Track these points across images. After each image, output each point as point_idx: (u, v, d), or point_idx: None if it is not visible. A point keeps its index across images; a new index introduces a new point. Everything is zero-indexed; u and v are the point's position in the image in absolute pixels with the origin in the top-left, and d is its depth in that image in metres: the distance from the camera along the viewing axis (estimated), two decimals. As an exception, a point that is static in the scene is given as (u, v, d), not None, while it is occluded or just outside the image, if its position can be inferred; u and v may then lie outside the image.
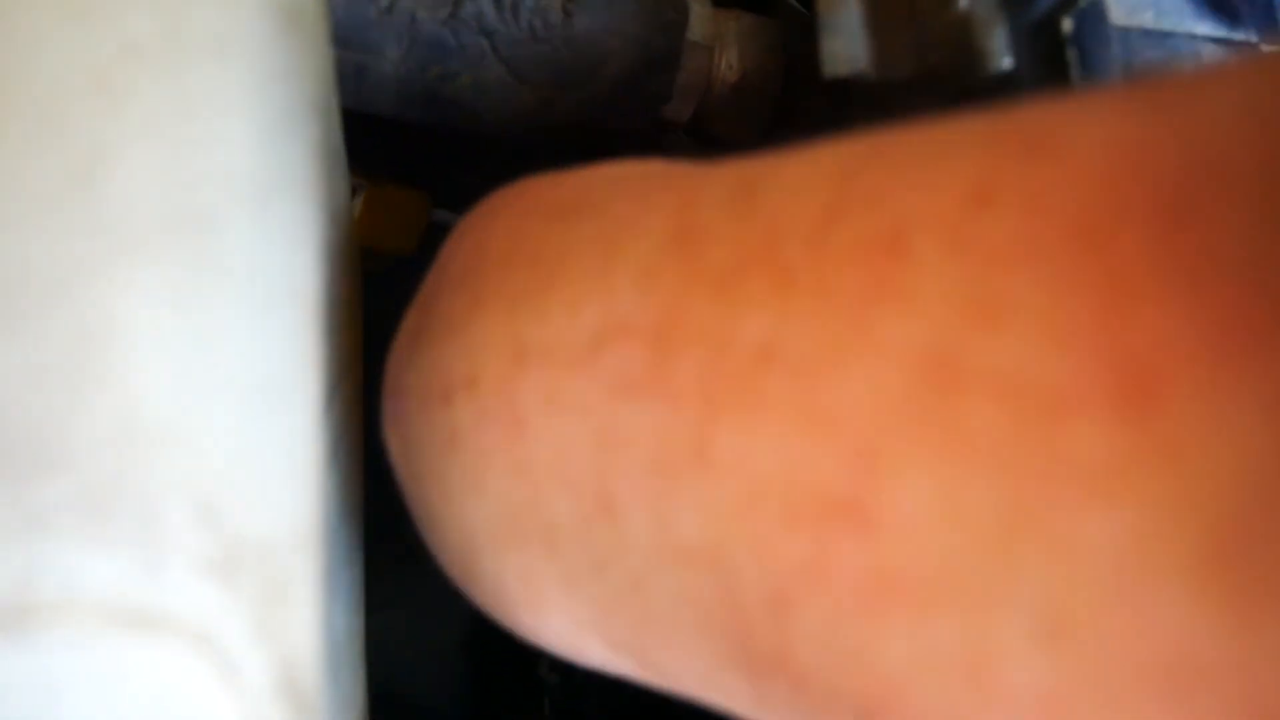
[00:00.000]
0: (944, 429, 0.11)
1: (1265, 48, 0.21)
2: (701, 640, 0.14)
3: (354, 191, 0.28)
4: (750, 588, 0.12)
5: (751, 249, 0.13)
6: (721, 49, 0.27)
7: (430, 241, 0.31)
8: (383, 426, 0.18)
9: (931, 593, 0.11)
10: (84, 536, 0.14)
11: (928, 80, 0.20)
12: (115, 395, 0.14)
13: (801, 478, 0.12)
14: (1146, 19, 0.20)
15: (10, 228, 0.14)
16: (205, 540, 0.15)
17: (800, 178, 0.13)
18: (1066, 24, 0.18)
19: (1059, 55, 0.19)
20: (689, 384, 0.13)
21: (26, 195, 0.14)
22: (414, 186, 0.29)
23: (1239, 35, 0.21)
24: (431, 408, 0.16)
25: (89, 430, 0.14)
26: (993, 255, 0.11)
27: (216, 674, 0.15)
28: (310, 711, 0.16)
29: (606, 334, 0.14)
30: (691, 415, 0.13)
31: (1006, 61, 0.18)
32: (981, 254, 0.11)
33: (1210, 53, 0.20)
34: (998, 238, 0.11)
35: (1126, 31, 0.19)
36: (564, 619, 0.16)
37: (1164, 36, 0.20)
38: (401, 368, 0.17)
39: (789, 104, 0.28)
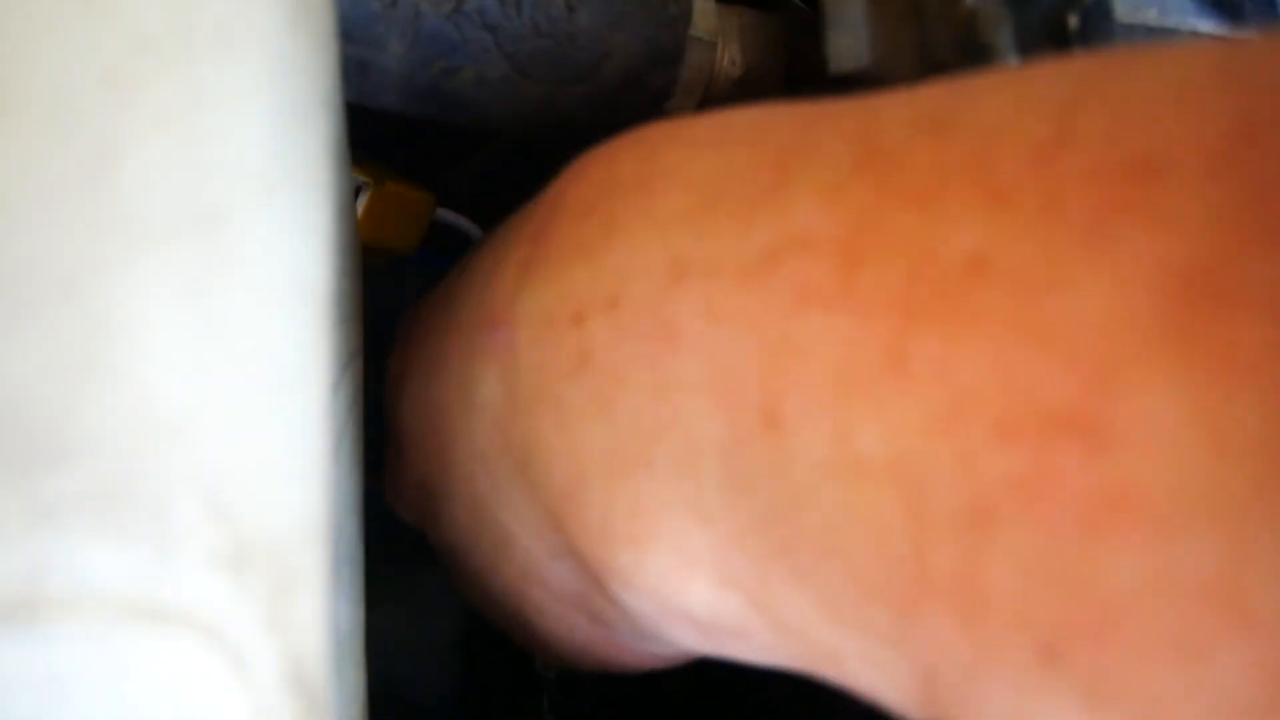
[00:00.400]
0: (1203, 346, 0.10)
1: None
2: (853, 566, 0.13)
3: (359, 190, 0.28)
4: (940, 504, 0.12)
5: (955, 170, 0.13)
6: (724, 44, 0.27)
7: (428, 239, 0.31)
8: (475, 361, 0.18)
9: (1175, 512, 0.10)
10: (95, 530, 0.14)
11: (933, 77, 0.20)
12: (127, 388, 0.14)
13: (1018, 390, 0.11)
14: (1150, 16, 0.20)
15: (21, 222, 0.14)
16: (216, 533, 0.15)
17: (1004, 110, 0.13)
18: (1072, 21, 0.19)
19: (1064, 52, 0.19)
20: (883, 295, 0.13)
21: (37, 190, 0.14)
22: (415, 181, 0.29)
23: (1241, 33, 0.21)
24: (557, 332, 0.16)
25: (100, 424, 0.14)
26: (1262, 187, 0.10)
27: (227, 667, 0.15)
28: (318, 704, 0.16)
29: (783, 247, 0.14)
30: (885, 326, 0.12)
31: (1012, 59, 0.19)
32: (1249, 185, 0.10)
33: (1213, 50, 0.20)
34: (1267, 173, 0.10)
35: (1131, 28, 0.20)
36: (672, 554, 0.15)
37: (1167, 34, 0.20)
38: (509, 299, 0.17)
39: (791, 100, 0.28)
